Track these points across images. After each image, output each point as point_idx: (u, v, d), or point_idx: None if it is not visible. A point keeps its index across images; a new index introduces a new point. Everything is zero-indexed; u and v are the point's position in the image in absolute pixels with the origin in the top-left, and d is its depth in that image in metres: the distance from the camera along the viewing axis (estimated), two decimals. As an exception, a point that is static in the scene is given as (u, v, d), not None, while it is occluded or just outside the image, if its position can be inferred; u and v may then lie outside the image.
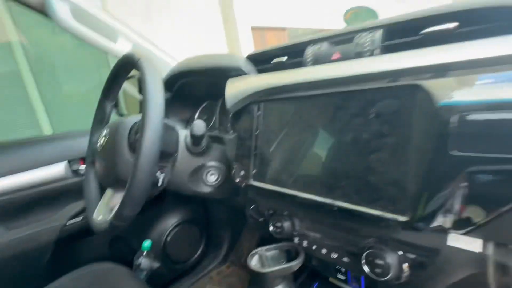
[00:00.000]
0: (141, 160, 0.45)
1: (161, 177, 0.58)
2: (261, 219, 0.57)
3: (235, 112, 0.55)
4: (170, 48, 1.02)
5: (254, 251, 0.50)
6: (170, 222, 1.11)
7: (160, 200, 1.09)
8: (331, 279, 0.59)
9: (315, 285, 0.60)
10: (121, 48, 0.87)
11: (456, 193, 0.29)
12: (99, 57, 2.94)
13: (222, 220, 1.25)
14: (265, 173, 0.50)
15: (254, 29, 5.05)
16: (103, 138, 0.61)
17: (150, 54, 0.96)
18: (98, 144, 0.63)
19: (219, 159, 0.68)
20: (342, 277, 0.51)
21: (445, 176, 0.28)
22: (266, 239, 0.50)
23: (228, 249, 1.27)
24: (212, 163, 0.67)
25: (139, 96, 1.14)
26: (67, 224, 0.85)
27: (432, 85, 0.29)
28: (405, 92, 0.31)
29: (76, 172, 0.90)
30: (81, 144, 0.93)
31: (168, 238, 1.10)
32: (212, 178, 0.67)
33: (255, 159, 0.51)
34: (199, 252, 1.20)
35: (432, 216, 0.30)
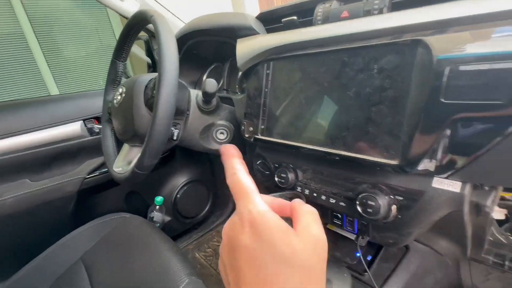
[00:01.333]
0: (159, 113, 0.49)
1: (175, 132, 0.63)
2: (267, 172, 0.63)
3: (245, 71, 0.57)
4: (174, 9, 1.00)
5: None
6: (180, 181, 1.19)
7: (171, 160, 1.15)
8: (329, 226, 0.66)
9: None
10: (129, 7, 0.86)
11: (441, 139, 0.33)
12: (98, 21, 2.86)
13: (228, 180, 1.33)
14: (273, 128, 0.54)
15: (260, -10, 4.77)
16: (120, 96, 0.65)
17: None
18: (115, 101, 0.66)
19: (228, 118, 0.71)
20: (338, 222, 0.57)
21: (434, 123, 0.32)
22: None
23: (233, 207, 1.36)
24: (221, 122, 0.71)
25: (145, 59, 1.14)
26: (86, 177, 0.93)
27: (432, 40, 0.32)
28: (407, 47, 0.34)
29: (91, 131, 0.95)
30: (94, 105, 0.97)
31: (178, 195, 1.18)
32: (221, 136, 0.72)
33: (264, 115, 0.54)
34: (206, 209, 1.30)
35: (419, 160, 0.35)
